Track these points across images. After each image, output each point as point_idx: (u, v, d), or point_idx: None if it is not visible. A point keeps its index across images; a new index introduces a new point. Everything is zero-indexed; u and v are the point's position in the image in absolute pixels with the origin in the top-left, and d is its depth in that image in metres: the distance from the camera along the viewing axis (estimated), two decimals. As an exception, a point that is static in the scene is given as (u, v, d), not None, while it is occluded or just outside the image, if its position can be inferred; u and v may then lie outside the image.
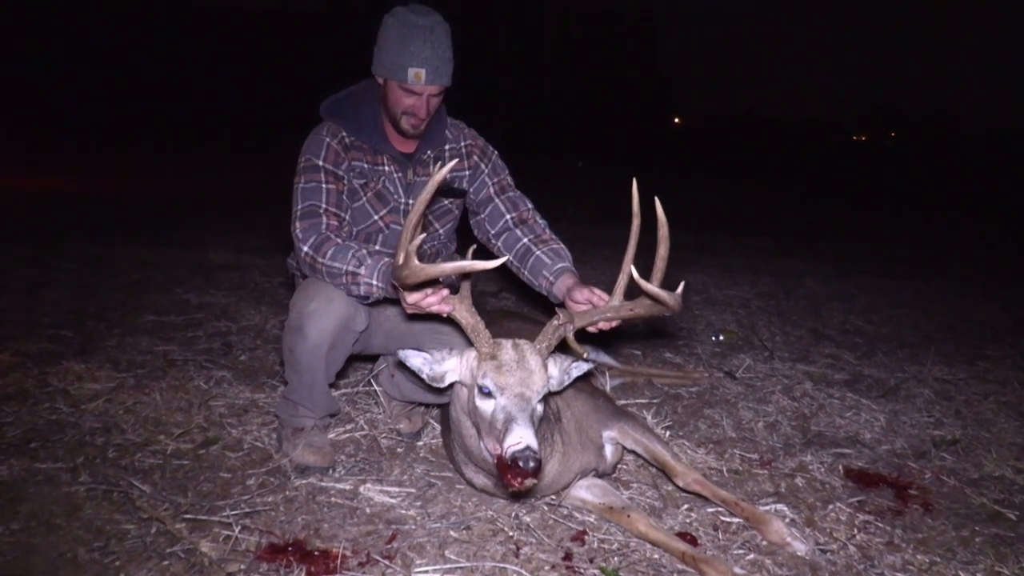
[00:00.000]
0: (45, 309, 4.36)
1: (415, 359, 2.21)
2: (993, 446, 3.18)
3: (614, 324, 2.39)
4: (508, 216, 2.83)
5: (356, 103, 2.73)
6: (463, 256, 2.22)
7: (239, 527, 2.23)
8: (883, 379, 4.03)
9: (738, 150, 33.39)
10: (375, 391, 3.13)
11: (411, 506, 2.45)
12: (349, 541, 2.21)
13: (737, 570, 2.15)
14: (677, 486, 2.53)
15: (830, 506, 2.56)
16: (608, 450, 2.64)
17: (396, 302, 2.38)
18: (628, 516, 2.33)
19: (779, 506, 2.54)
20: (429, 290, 2.16)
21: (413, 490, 2.56)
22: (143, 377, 3.37)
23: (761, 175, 22.46)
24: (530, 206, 2.87)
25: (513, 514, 2.41)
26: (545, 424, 2.29)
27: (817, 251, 8.68)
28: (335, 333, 2.52)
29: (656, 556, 2.22)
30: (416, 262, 2.04)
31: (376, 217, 2.77)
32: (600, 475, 2.61)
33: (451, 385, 2.27)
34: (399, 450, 2.88)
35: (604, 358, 3.70)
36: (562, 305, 2.50)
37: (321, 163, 2.63)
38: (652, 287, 2.20)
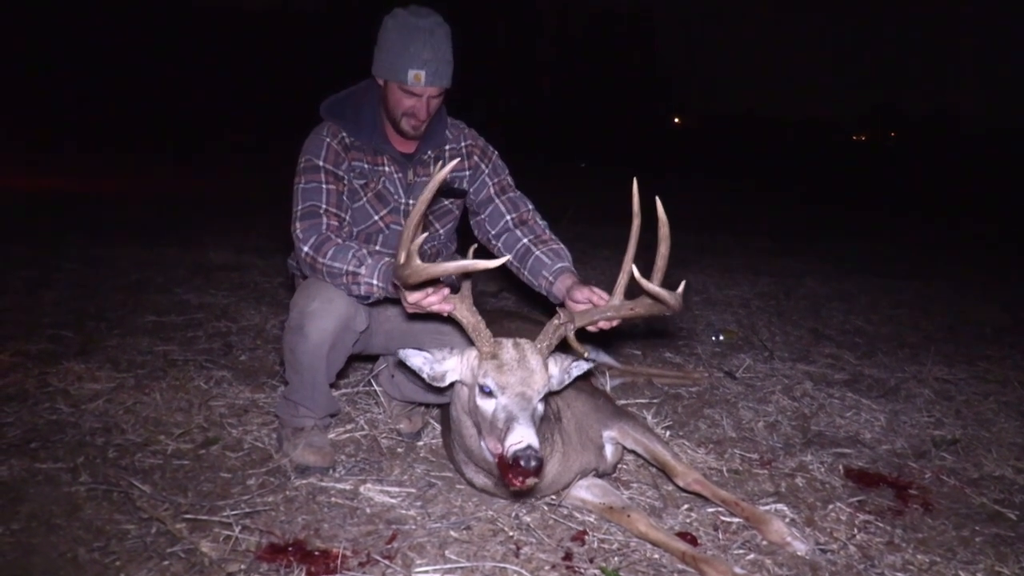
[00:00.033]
0: (45, 309, 4.36)
1: (416, 358, 2.21)
2: (993, 446, 3.18)
3: (614, 323, 2.39)
4: (508, 217, 2.83)
5: (356, 103, 2.73)
6: (463, 256, 2.22)
7: (239, 527, 2.22)
8: (883, 379, 4.03)
9: (738, 150, 33.38)
10: (375, 391, 3.13)
11: (411, 506, 2.45)
12: (349, 541, 2.21)
13: (737, 570, 2.15)
14: (677, 486, 2.53)
15: (830, 506, 2.56)
16: (608, 450, 2.64)
17: (396, 302, 2.38)
18: (628, 516, 2.33)
19: (779, 506, 2.54)
20: (430, 289, 2.17)
21: (413, 490, 2.56)
22: (143, 377, 3.37)
23: (761, 175, 22.46)
24: (530, 207, 2.87)
25: (513, 514, 2.41)
26: (545, 424, 2.29)
27: (817, 251, 8.68)
28: (336, 333, 2.52)
29: (656, 556, 2.22)
30: (418, 261, 2.05)
31: (376, 217, 2.77)
32: (600, 475, 2.61)
33: (451, 385, 2.27)
34: (399, 450, 2.88)
35: (604, 358, 3.70)
36: (562, 305, 2.50)
37: (321, 163, 2.63)
38: (653, 286, 2.20)
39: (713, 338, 4.62)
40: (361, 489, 2.53)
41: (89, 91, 27.99)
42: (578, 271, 2.68)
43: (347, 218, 2.65)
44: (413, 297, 2.17)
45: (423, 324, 2.68)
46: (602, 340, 3.45)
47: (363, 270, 2.39)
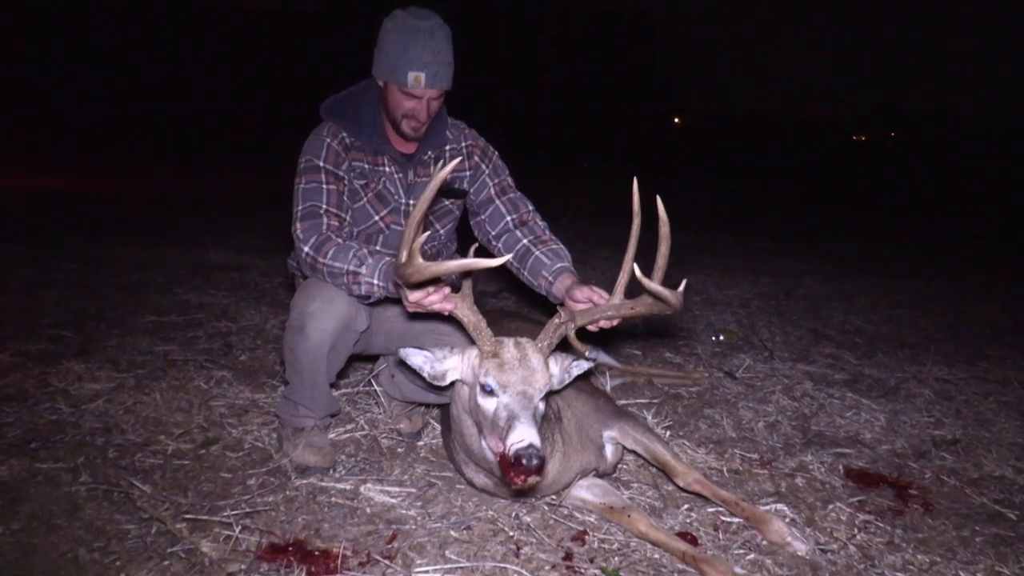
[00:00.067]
0: (45, 309, 4.36)
1: (416, 357, 2.21)
2: (993, 446, 3.18)
3: (615, 322, 2.39)
4: (509, 217, 2.83)
5: (356, 104, 2.73)
6: (464, 255, 2.22)
7: (239, 527, 2.23)
8: (883, 379, 4.03)
9: (738, 150, 33.39)
10: (375, 391, 3.13)
11: (411, 506, 2.45)
12: (349, 541, 2.21)
13: (738, 570, 2.15)
14: (677, 486, 2.53)
15: (830, 506, 2.56)
16: (608, 450, 2.64)
17: (397, 302, 2.38)
18: (628, 516, 2.33)
19: (779, 506, 2.54)
20: (431, 288, 2.17)
21: (413, 490, 2.56)
22: (143, 377, 3.37)
23: (761, 175, 22.46)
24: (531, 207, 2.87)
25: (513, 514, 2.41)
26: (546, 424, 2.29)
27: (817, 251, 8.68)
28: (336, 333, 2.52)
29: (656, 556, 2.22)
30: (420, 260, 2.05)
31: (377, 218, 2.77)
32: (600, 475, 2.61)
33: (452, 384, 2.27)
34: (399, 450, 2.89)
35: (604, 358, 3.70)
36: (562, 304, 2.50)
37: (322, 164, 2.63)
38: (654, 285, 2.21)
39: (713, 338, 4.62)
40: (361, 489, 2.53)
41: (89, 91, 27.96)
42: (578, 271, 2.68)
43: (347, 218, 2.65)
44: (414, 296, 2.17)
45: (423, 324, 2.68)
46: (602, 340, 3.45)
47: (364, 270, 2.39)
